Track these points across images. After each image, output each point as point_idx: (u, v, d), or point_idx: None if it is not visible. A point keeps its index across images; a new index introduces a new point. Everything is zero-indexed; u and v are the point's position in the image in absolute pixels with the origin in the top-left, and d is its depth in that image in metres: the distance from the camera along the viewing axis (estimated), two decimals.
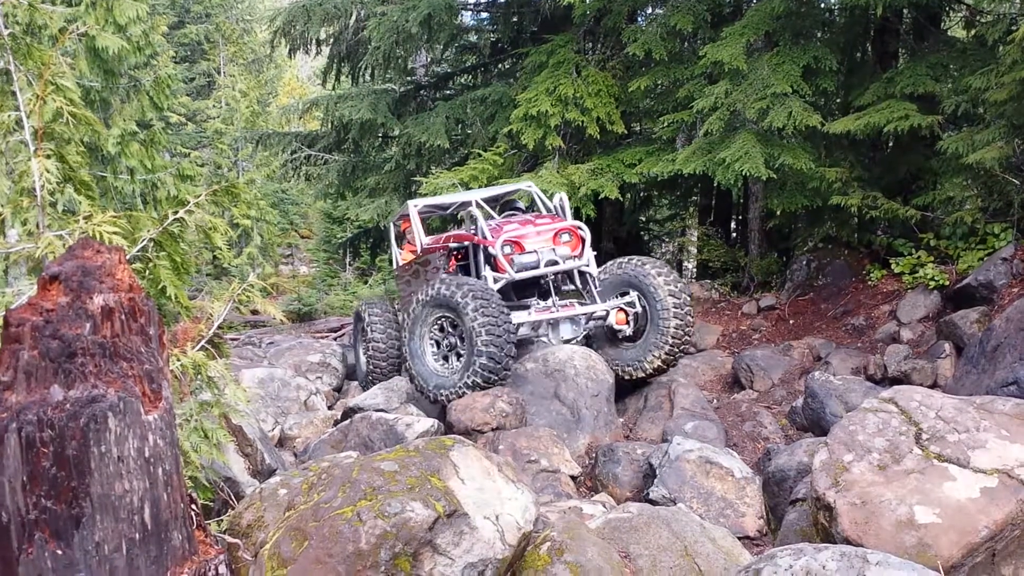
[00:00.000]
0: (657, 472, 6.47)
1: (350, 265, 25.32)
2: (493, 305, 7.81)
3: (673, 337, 8.55)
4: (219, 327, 4.81)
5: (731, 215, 16.76)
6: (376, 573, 3.67)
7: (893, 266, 10.76)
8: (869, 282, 11.20)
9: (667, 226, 21.31)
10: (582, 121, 12.41)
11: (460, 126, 15.47)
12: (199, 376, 4.44)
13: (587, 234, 8.89)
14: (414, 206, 10.15)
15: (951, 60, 10.87)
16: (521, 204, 10.49)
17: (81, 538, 2.63)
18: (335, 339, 16.75)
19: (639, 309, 8.80)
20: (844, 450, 4.69)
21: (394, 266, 11.09)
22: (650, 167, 12.06)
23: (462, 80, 18.44)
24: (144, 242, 4.37)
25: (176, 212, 4.44)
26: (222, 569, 3.12)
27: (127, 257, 3.06)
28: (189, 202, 4.50)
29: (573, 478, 7.06)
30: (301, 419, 8.77)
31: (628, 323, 8.89)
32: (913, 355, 9.13)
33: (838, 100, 12.94)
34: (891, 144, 12.27)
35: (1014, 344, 6.90)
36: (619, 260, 9.07)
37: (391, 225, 11.44)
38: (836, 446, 4.76)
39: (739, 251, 13.98)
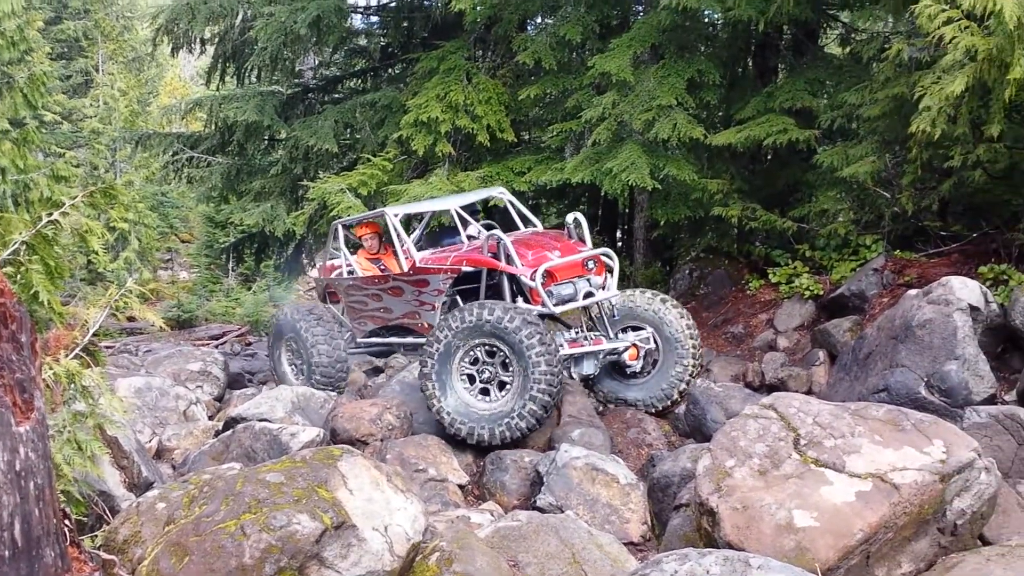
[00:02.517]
0: (544, 479, 6.50)
1: (233, 271, 24.80)
2: (548, 335, 7.30)
3: (689, 374, 8.49)
4: (94, 334, 4.67)
5: (617, 225, 17.01)
6: None
7: (770, 276, 11.07)
8: (748, 291, 11.49)
9: None
10: (472, 128, 12.42)
11: (349, 130, 15.30)
12: (73, 385, 4.29)
13: (615, 263, 8.35)
14: (394, 215, 9.21)
15: (828, 76, 11.29)
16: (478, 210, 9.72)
17: None
18: (216, 347, 16.36)
19: (652, 345, 8.59)
20: (726, 456, 4.81)
21: (341, 271, 10.08)
22: (539, 176, 12.13)
23: (351, 84, 18.23)
24: (16, 245, 4.21)
25: (50, 214, 4.29)
26: None
27: None
28: (64, 204, 4.36)
29: (461, 487, 7.04)
30: (180, 430, 8.50)
31: (638, 359, 8.64)
32: (789, 362, 9.44)
33: (720, 113, 13.22)
34: (770, 157, 12.66)
35: (885, 352, 7.18)
36: (627, 292, 8.74)
37: (337, 227, 10.26)
38: (719, 452, 4.87)
39: (624, 260, 14.19)
